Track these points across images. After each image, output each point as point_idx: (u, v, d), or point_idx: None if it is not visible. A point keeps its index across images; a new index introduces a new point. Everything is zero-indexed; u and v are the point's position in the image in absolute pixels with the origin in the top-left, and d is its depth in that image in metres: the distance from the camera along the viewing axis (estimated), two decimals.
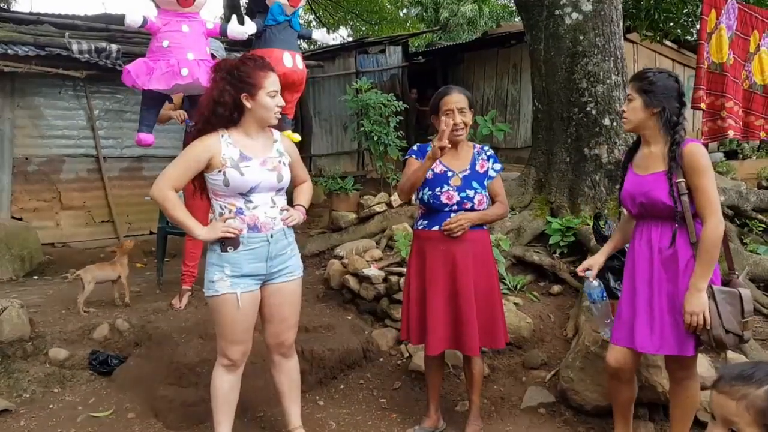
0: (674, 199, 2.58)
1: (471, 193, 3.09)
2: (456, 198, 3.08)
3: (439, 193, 3.09)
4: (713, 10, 6.12)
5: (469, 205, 3.08)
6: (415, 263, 3.22)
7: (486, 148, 3.27)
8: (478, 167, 3.17)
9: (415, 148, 3.32)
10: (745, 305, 2.58)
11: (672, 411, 2.90)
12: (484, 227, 3.22)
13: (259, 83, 2.71)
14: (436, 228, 3.11)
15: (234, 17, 4.36)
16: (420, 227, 3.22)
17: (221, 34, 4.23)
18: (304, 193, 3.10)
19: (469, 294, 3.05)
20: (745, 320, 2.58)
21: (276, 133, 2.92)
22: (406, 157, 3.30)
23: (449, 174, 3.13)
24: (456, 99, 3.10)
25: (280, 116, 2.81)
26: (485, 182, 3.16)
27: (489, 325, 3.12)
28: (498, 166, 3.24)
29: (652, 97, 2.65)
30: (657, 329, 2.65)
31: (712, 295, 2.55)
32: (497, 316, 3.15)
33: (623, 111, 2.74)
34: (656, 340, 2.65)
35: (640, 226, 2.80)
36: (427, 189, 3.13)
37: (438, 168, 3.14)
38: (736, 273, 2.77)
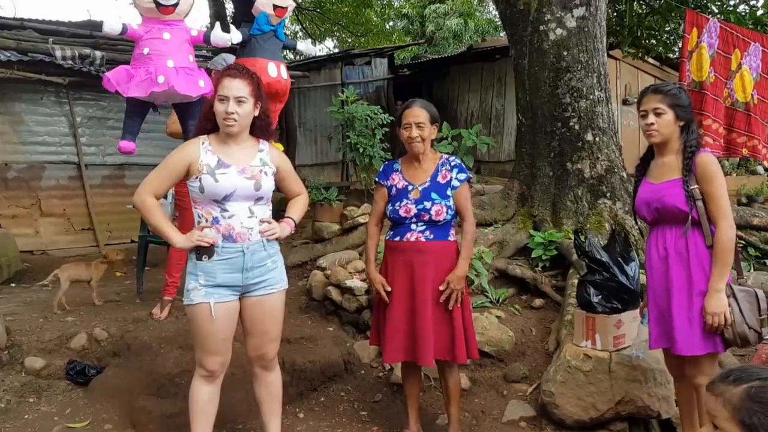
0: (689, 205, 2.71)
1: (428, 204, 3.09)
2: (413, 211, 3.10)
3: (398, 207, 3.14)
4: (695, 29, 6.21)
5: (426, 217, 3.09)
6: (383, 272, 3.26)
7: (452, 158, 3.26)
8: (439, 178, 3.17)
9: (380, 170, 3.38)
10: (761, 303, 2.71)
11: (682, 408, 2.99)
12: (449, 238, 3.19)
13: (215, 87, 2.73)
14: (398, 239, 3.17)
15: (217, 24, 4.34)
16: (387, 238, 3.28)
17: (205, 42, 4.21)
18: (296, 206, 3.05)
19: (426, 304, 3.05)
20: (762, 317, 2.70)
21: (264, 143, 2.90)
22: (376, 180, 3.35)
23: (409, 188, 3.17)
24: (415, 113, 3.14)
25: (229, 124, 2.69)
26: (448, 192, 3.15)
27: (448, 338, 3.09)
28: (462, 176, 3.19)
29: (681, 111, 2.79)
30: (681, 331, 2.73)
31: (732, 294, 2.67)
32: (458, 329, 3.09)
33: (650, 124, 2.80)
34: (680, 342, 2.73)
35: (654, 231, 2.92)
36: (389, 204, 3.21)
37: (400, 184, 3.20)
38: (744, 278, 2.89)
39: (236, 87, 2.69)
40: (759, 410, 1.31)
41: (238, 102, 2.67)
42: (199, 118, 2.88)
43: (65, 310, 4.75)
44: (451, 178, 3.17)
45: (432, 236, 3.12)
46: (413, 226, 3.13)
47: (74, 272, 4.90)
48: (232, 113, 2.67)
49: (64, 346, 4.23)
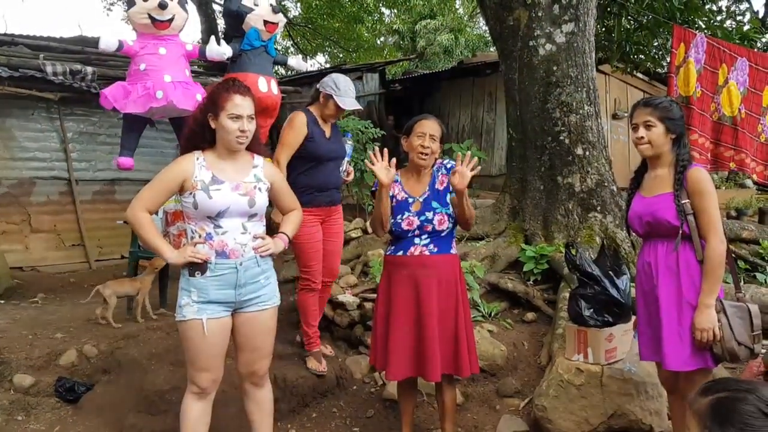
0: (680, 219, 2.70)
1: (430, 215, 3.10)
2: (416, 223, 3.10)
3: (400, 221, 3.13)
4: (682, 44, 6.28)
5: (429, 228, 3.10)
6: (383, 289, 3.23)
7: (446, 161, 3.25)
8: (437, 185, 3.18)
9: None
10: (754, 319, 2.70)
11: (675, 422, 2.98)
12: (452, 251, 3.20)
13: (221, 104, 2.71)
14: (400, 253, 3.14)
15: (212, 38, 4.36)
16: (388, 253, 3.25)
17: (200, 56, 4.23)
18: (290, 222, 3.04)
19: (432, 319, 3.03)
20: (755, 333, 2.68)
21: (258, 158, 2.90)
22: (373, 188, 3.33)
23: (410, 200, 3.16)
24: (430, 125, 3.14)
25: (242, 141, 2.74)
26: (447, 198, 3.15)
27: (452, 352, 3.09)
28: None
29: (672, 124, 2.79)
30: (670, 346, 2.71)
31: (722, 310, 2.66)
32: (462, 342, 3.09)
33: (641, 138, 2.81)
34: (669, 357, 2.71)
35: (646, 245, 2.92)
36: (390, 217, 3.17)
37: (400, 195, 3.19)
38: (742, 292, 2.87)
39: (247, 105, 2.74)
40: (716, 420, 1.32)
41: (249, 120, 2.73)
42: (188, 134, 2.85)
43: (116, 326, 4.72)
44: (448, 181, 3.15)
45: (436, 249, 3.11)
46: (416, 240, 3.12)
47: (120, 288, 4.87)
48: (246, 131, 2.72)
49: (54, 363, 4.19)
